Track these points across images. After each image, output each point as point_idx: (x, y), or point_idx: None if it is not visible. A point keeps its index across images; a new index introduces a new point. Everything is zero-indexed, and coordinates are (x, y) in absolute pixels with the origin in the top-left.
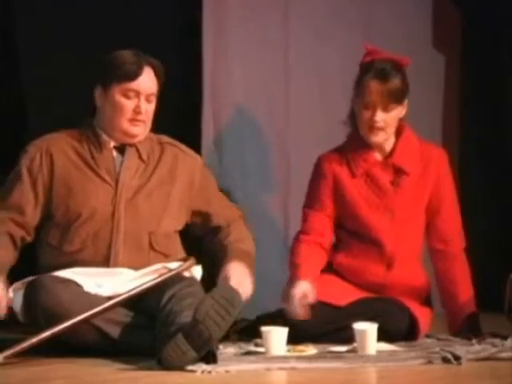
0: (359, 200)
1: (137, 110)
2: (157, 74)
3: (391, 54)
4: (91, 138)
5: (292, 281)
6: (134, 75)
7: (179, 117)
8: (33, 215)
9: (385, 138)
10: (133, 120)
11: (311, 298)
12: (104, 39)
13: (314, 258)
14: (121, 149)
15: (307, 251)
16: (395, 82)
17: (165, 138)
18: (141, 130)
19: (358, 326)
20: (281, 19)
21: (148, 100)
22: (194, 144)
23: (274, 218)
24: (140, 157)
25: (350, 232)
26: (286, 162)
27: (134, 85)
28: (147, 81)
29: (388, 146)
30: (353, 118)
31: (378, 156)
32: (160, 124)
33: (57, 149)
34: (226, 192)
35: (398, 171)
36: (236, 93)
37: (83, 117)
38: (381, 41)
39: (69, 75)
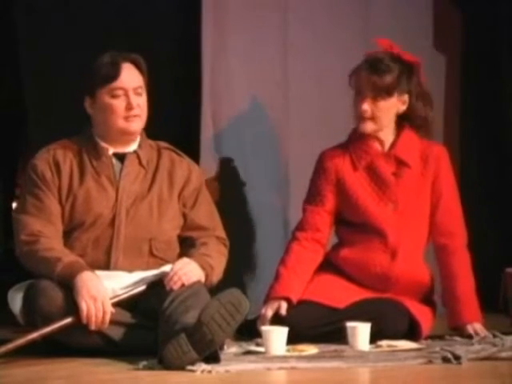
0: (362, 192)
1: (129, 107)
2: (138, 68)
3: (404, 51)
4: (90, 147)
5: (273, 287)
6: (114, 74)
7: (179, 117)
8: (61, 224)
9: (373, 129)
10: (127, 117)
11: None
12: (103, 39)
13: (303, 264)
14: (120, 156)
15: (298, 255)
16: (385, 73)
17: (163, 144)
18: (137, 125)
19: (350, 323)
20: (280, 20)
21: (137, 93)
22: (194, 144)
23: (274, 218)
24: (140, 163)
25: (353, 225)
26: (285, 162)
27: (118, 83)
28: (129, 76)
29: (388, 141)
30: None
31: (379, 147)
32: (160, 124)
33: (62, 158)
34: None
35: (400, 163)
36: (235, 93)
37: (82, 118)
38: None
39: (68, 75)
